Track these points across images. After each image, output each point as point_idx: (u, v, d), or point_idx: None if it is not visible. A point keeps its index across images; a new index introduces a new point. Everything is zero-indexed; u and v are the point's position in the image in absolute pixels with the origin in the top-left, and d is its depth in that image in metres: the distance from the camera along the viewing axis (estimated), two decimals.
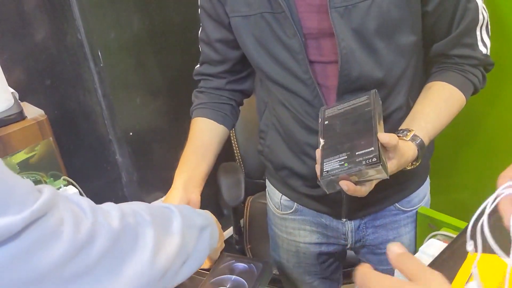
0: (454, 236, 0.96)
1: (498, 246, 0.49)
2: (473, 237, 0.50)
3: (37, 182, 1.34)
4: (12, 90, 1.34)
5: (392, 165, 0.80)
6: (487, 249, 0.49)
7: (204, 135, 1.07)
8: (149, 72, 1.79)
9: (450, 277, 0.71)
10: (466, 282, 0.69)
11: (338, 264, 1.29)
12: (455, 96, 0.94)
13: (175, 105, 1.90)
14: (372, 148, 0.76)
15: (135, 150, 1.81)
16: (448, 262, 0.77)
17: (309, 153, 1.00)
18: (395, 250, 0.51)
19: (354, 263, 1.44)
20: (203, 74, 1.11)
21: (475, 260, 0.54)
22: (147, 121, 1.85)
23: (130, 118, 1.77)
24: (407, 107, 0.96)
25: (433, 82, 0.96)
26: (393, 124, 0.94)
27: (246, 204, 1.86)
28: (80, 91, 1.64)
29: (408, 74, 0.94)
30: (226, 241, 2.44)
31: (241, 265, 0.94)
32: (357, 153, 0.77)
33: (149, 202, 0.77)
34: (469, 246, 0.50)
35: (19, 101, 1.34)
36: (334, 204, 1.06)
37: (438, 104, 0.92)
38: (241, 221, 1.83)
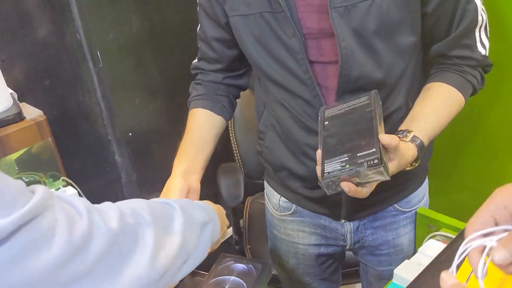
0: (453, 236, 0.96)
1: None
2: None
3: (36, 182, 1.34)
4: (11, 91, 1.34)
5: (393, 166, 0.80)
6: None
7: (202, 126, 1.07)
8: (149, 73, 1.79)
9: None
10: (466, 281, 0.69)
11: (337, 265, 1.29)
12: (454, 97, 0.94)
13: (174, 106, 1.90)
14: (374, 150, 0.75)
15: (134, 151, 1.81)
16: (447, 263, 0.77)
17: (308, 154, 1.00)
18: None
19: (354, 264, 1.46)
20: (200, 69, 1.12)
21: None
22: (147, 122, 1.84)
23: (130, 119, 1.77)
24: (407, 108, 0.96)
25: (432, 83, 0.96)
26: (393, 124, 0.94)
27: (245, 205, 1.86)
28: (79, 92, 1.64)
29: (408, 74, 0.94)
30: (225, 242, 2.44)
31: (240, 266, 0.94)
32: (358, 155, 0.77)
33: None
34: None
35: (18, 101, 1.34)
36: (333, 205, 1.06)
37: (437, 105, 0.92)
38: (241, 221, 1.83)
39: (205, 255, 0.77)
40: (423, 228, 1.09)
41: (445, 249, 0.83)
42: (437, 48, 0.95)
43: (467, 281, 0.55)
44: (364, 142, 0.78)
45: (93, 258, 0.53)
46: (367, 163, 0.74)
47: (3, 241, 0.46)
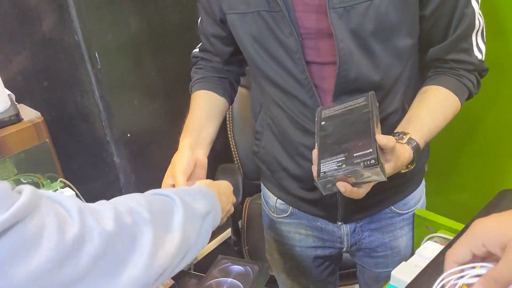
0: (451, 238, 0.96)
1: None
2: None
3: (34, 184, 1.34)
4: (9, 92, 1.33)
5: (389, 168, 0.80)
6: None
7: (206, 105, 1.07)
8: (147, 73, 1.79)
9: None
10: None
11: (334, 267, 1.29)
12: (451, 100, 0.94)
13: (173, 106, 1.89)
14: (371, 150, 0.75)
15: (133, 152, 1.81)
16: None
17: (304, 154, 1.00)
18: None
19: (351, 266, 1.45)
20: (201, 57, 1.14)
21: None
22: (145, 123, 1.84)
23: (128, 120, 1.77)
24: (403, 110, 0.96)
25: (429, 86, 0.96)
26: (389, 127, 0.94)
27: (244, 205, 1.86)
28: (78, 93, 1.63)
29: (404, 77, 0.94)
30: (224, 243, 2.45)
31: (237, 268, 0.94)
32: (355, 155, 0.76)
33: None
34: None
35: (16, 103, 1.33)
36: (329, 207, 1.06)
37: (433, 108, 0.92)
38: (239, 222, 1.83)
39: (205, 245, 0.76)
40: (421, 230, 1.08)
41: (442, 251, 0.83)
42: (434, 51, 0.95)
43: None
44: (361, 143, 0.78)
45: (87, 262, 0.51)
46: (363, 163, 0.74)
47: None
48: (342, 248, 1.16)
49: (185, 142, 0.97)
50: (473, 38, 0.93)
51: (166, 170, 0.96)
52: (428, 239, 1.00)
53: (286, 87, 0.94)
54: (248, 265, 0.93)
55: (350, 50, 0.86)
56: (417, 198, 1.12)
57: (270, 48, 0.91)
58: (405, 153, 0.84)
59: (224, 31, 1.02)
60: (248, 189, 1.76)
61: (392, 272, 0.87)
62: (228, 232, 2.27)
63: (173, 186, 0.89)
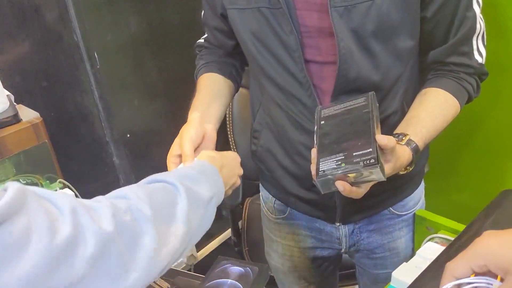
0: (452, 238, 0.95)
1: None
2: None
3: (33, 184, 1.34)
4: (8, 93, 1.33)
5: (388, 168, 0.80)
6: None
7: (213, 85, 1.06)
8: (147, 74, 1.79)
9: None
10: None
11: (334, 267, 1.29)
12: (450, 102, 0.94)
13: (173, 107, 1.89)
14: (371, 149, 0.75)
15: (132, 152, 1.80)
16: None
17: (303, 153, 0.99)
18: None
19: (351, 266, 1.45)
20: (206, 47, 1.14)
21: None
22: (145, 123, 1.84)
23: (128, 120, 1.77)
24: (402, 112, 0.96)
25: (429, 88, 0.96)
26: (388, 128, 0.93)
27: (244, 206, 1.85)
28: (77, 93, 1.63)
29: (404, 78, 0.94)
30: (224, 243, 2.45)
31: (237, 269, 0.94)
32: (354, 154, 0.76)
33: None
34: None
35: (15, 103, 1.33)
36: (327, 208, 1.06)
37: (433, 110, 0.92)
38: (239, 222, 1.83)
39: (207, 229, 0.73)
40: (421, 230, 1.08)
41: (443, 252, 0.83)
42: (434, 54, 0.95)
43: None
44: (361, 142, 0.77)
45: (83, 265, 0.48)
46: (363, 162, 0.74)
47: None
48: (341, 249, 1.15)
49: (193, 115, 0.94)
50: (474, 42, 0.93)
51: (166, 170, 0.95)
52: (429, 239, 1.00)
53: (285, 85, 0.94)
54: (248, 266, 0.93)
55: (351, 50, 0.86)
56: (416, 200, 1.12)
57: (270, 45, 0.91)
58: (404, 154, 0.84)
59: (225, 25, 1.02)
60: (248, 189, 1.75)
61: (393, 273, 0.87)
62: (228, 233, 2.27)
63: (180, 156, 0.86)
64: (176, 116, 1.88)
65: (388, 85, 0.92)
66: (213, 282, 0.91)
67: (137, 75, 1.76)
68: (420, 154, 0.88)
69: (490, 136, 1.53)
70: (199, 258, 2.16)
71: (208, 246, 2.23)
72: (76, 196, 1.27)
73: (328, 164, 0.77)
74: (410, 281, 0.79)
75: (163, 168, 0.95)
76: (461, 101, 0.95)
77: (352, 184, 0.78)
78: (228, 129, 1.78)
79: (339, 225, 1.09)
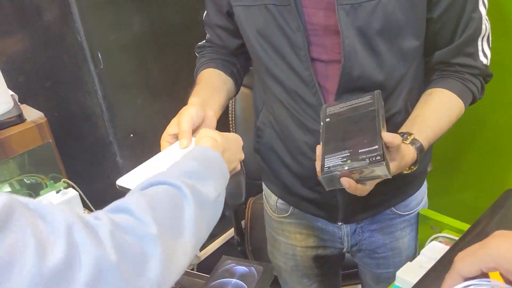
0: (456, 238, 0.95)
1: None
2: None
3: (37, 184, 1.34)
4: (12, 93, 1.33)
5: (393, 167, 0.80)
6: None
7: (215, 79, 1.03)
8: (150, 73, 1.79)
9: None
10: None
11: (336, 267, 1.29)
12: (455, 103, 0.94)
13: (176, 106, 1.87)
14: (376, 147, 0.75)
15: (136, 152, 1.80)
16: (450, 266, 0.77)
17: (306, 153, 0.99)
18: None
19: (353, 266, 1.45)
20: (208, 47, 1.12)
21: None
22: (148, 123, 1.84)
23: (131, 120, 1.77)
24: (406, 112, 0.96)
25: (433, 88, 0.96)
26: (391, 128, 0.93)
27: (247, 205, 1.85)
28: (80, 93, 1.63)
29: (408, 78, 0.94)
30: (227, 243, 2.45)
31: (241, 268, 0.93)
32: (360, 151, 0.76)
33: None
34: None
35: (19, 103, 1.33)
36: (329, 207, 1.06)
37: (438, 110, 0.92)
38: (243, 222, 1.83)
39: (213, 226, 0.69)
40: (425, 230, 1.08)
41: (448, 251, 0.83)
42: (439, 54, 0.95)
43: None
44: (367, 140, 0.77)
45: None
46: (369, 159, 0.74)
47: None
48: (343, 249, 1.15)
49: (194, 99, 0.91)
50: (479, 43, 0.93)
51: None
52: (433, 239, 1.00)
53: (289, 84, 0.94)
54: (252, 265, 0.93)
55: (355, 48, 0.86)
56: (419, 200, 1.12)
57: (275, 42, 0.91)
58: (409, 153, 0.84)
59: (231, 23, 1.01)
60: (251, 189, 1.75)
61: (397, 273, 0.87)
62: (231, 232, 2.27)
63: (175, 136, 0.83)
64: None
65: (392, 84, 0.92)
66: (218, 281, 0.91)
67: (140, 75, 1.76)
68: (424, 154, 0.88)
69: (493, 135, 1.52)
70: (202, 258, 2.16)
71: (211, 245, 2.23)
72: (80, 195, 1.27)
73: (334, 161, 0.77)
74: (414, 280, 0.79)
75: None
76: (465, 101, 0.95)
77: (357, 181, 0.78)
78: (231, 129, 1.78)
79: (341, 224, 1.09)
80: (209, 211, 0.65)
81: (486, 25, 0.92)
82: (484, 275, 0.55)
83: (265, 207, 1.25)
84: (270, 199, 1.19)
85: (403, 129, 0.89)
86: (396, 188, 1.05)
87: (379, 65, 0.88)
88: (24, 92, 1.46)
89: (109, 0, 1.59)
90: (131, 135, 1.77)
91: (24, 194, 1.32)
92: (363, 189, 0.79)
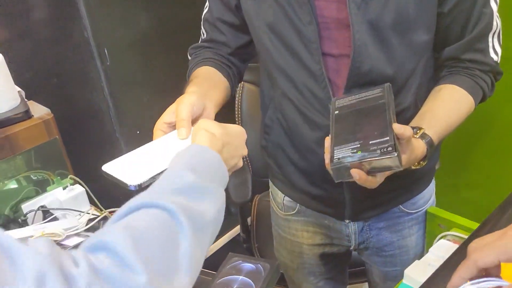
0: (464, 236, 0.95)
1: None
2: None
3: (44, 180, 1.34)
4: (19, 89, 1.34)
5: (403, 160, 0.78)
6: None
7: (214, 75, 0.97)
8: (157, 70, 1.79)
9: None
10: None
11: (343, 264, 1.28)
12: (465, 99, 0.93)
13: None
14: (388, 138, 0.74)
15: None
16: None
17: (314, 149, 0.98)
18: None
19: (360, 263, 1.44)
20: (204, 47, 1.05)
21: None
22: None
23: (137, 116, 1.77)
24: (415, 108, 0.95)
25: (443, 84, 0.95)
26: (400, 123, 0.92)
27: (253, 203, 1.85)
28: (87, 90, 1.64)
29: (418, 73, 0.93)
30: (233, 240, 2.44)
31: (248, 266, 0.93)
32: (370, 142, 0.75)
33: None
34: None
35: (26, 100, 1.34)
36: (336, 205, 1.05)
37: (448, 105, 0.91)
38: (248, 219, 1.83)
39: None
40: (433, 228, 1.07)
41: (457, 250, 0.82)
42: (450, 50, 0.94)
43: None
44: (377, 131, 0.76)
45: None
46: (380, 150, 0.72)
47: None
48: (350, 247, 1.15)
49: (193, 88, 0.84)
50: (490, 39, 0.93)
51: None
52: (441, 237, 0.99)
53: (298, 78, 0.93)
54: (259, 262, 0.93)
55: (365, 42, 0.85)
56: (427, 198, 1.11)
57: (285, 36, 0.90)
58: (419, 147, 0.83)
59: (238, 18, 0.99)
60: (257, 186, 1.75)
61: (405, 271, 0.87)
62: (237, 230, 2.27)
63: (170, 125, 0.76)
64: None
65: (401, 79, 0.91)
66: (225, 278, 0.91)
67: (147, 72, 1.76)
68: (433, 149, 0.87)
69: (501, 133, 1.51)
70: (208, 255, 2.16)
71: (216, 242, 2.23)
72: (87, 192, 1.27)
73: (343, 152, 0.76)
74: (422, 278, 0.79)
75: None
76: (475, 98, 0.94)
77: (367, 172, 0.76)
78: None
79: (349, 222, 1.09)
80: (208, 232, 0.56)
81: (497, 21, 0.91)
82: (494, 269, 0.54)
83: (271, 205, 1.24)
84: (277, 196, 1.18)
85: (413, 123, 0.89)
86: (404, 186, 1.04)
87: (389, 59, 0.88)
88: (31, 89, 1.46)
89: None
90: (138, 132, 1.77)
91: (31, 190, 1.32)
92: (373, 181, 0.78)
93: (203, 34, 1.07)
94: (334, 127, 0.83)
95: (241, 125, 1.75)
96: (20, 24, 1.44)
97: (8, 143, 1.22)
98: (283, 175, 1.11)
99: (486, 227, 0.84)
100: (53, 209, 1.23)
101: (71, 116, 1.61)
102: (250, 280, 0.89)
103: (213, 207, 0.57)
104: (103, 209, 1.25)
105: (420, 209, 1.10)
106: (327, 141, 0.81)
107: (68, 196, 1.25)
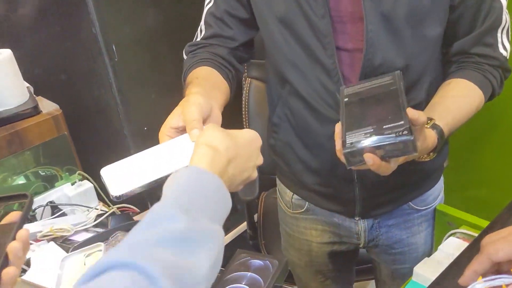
0: (473, 234, 0.94)
1: None
2: None
3: (52, 176, 1.35)
4: (27, 85, 1.34)
5: None
6: None
7: (215, 76, 0.92)
8: (165, 67, 1.79)
9: None
10: None
11: (351, 262, 1.28)
12: (475, 92, 0.92)
13: None
14: (402, 122, 0.71)
15: (150, 145, 1.80)
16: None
17: (324, 145, 0.97)
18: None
19: (367, 261, 1.44)
20: (202, 46, 1.00)
21: None
22: (162, 116, 1.83)
23: (145, 113, 1.77)
24: (427, 104, 0.94)
25: (453, 79, 0.94)
26: None
27: (260, 200, 1.85)
28: (95, 86, 1.64)
29: (430, 68, 0.93)
30: (240, 236, 2.44)
31: (256, 262, 0.93)
32: (384, 127, 0.72)
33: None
34: None
35: (34, 95, 1.34)
36: (347, 202, 1.05)
37: (458, 98, 0.91)
38: (255, 216, 1.83)
39: None
40: (442, 225, 1.07)
41: (468, 247, 0.82)
42: (459, 44, 0.94)
43: None
44: (391, 116, 0.73)
45: None
46: (395, 134, 0.70)
47: None
48: (359, 244, 1.15)
49: (196, 89, 0.78)
50: (499, 35, 0.92)
51: None
52: (450, 235, 0.99)
53: (310, 73, 0.92)
54: (267, 259, 0.93)
55: (378, 34, 0.85)
56: (436, 194, 1.11)
57: (298, 30, 0.89)
58: (430, 136, 0.81)
59: (247, 12, 0.97)
60: (264, 183, 1.75)
61: (415, 268, 0.86)
62: (244, 226, 2.27)
63: (178, 129, 0.71)
64: None
65: (414, 74, 0.91)
66: (233, 274, 0.91)
67: (154, 68, 1.76)
68: (444, 141, 0.86)
69: (509, 132, 1.51)
70: None
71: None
72: (95, 187, 1.28)
73: (356, 137, 0.72)
74: (432, 276, 0.79)
75: None
76: (485, 92, 0.93)
77: (380, 158, 0.73)
78: (244, 122, 1.77)
79: (359, 219, 1.08)
80: None
81: (506, 16, 0.91)
82: (506, 264, 0.54)
83: (278, 203, 1.24)
84: (285, 195, 1.18)
85: None
86: (413, 183, 1.04)
87: (402, 53, 0.87)
88: (40, 85, 1.47)
89: None
90: (145, 128, 1.77)
91: (40, 186, 1.33)
92: (387, 167, 0.75)
93: (202, 31, 1.03)
94: (344, 113, 0.80)
95: (248, 122, 1.75)
96: (29, 21, 1.44)
97: (17, 138, 1.22)
98: (292, 173, 1.10)
99: (497, 225, 0.83)
100: (61, 204, 1.24)
101: (79, 112, 1.62)
102: (258, 277, 0.89)
103: (207, 260, 0.48)
104: (111, 205, 1.26)
105: (430, 205, 1.10)
106: (338, 127, 0.78)
107: (76, 191, 1.26)
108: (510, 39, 0.94)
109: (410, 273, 0.90)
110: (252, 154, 0.64)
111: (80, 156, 1.36)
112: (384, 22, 0.84)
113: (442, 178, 1.13)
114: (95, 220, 1.18)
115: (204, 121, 0.71)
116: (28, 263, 1.03)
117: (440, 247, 0.92)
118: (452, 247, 0.91)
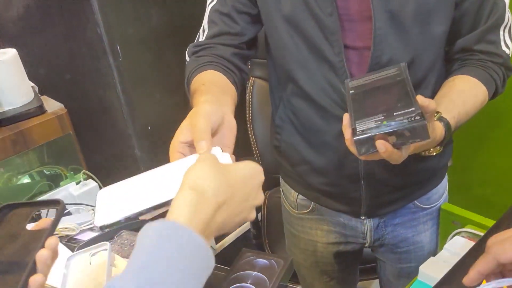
0: (479, 233, 0.94)
1: None
2: None
3: (57, 175, 1.35)
4: (32, 84, 1.35)
5: None
6: None
7: (222, 80, 0.89)
8: (168, 66, 1.79)
9: None
10: None
11: (355, 262, 1.28)
12: (479, 88, 0.92)
13: None
14: (413, 108, 0.70)
15: (154, 145, 1.81)
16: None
17: (331, 144, 0.97)
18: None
19: (370, 260, 1.44)
20: (207, 47, 0.97)
21: None
22: (166, 116, 1.84)
23: (149, 113, 1.77)
24: None
25: (457, 75, 0.94)
26: None
27: (264, 199, 1.85)
28: (100, 86, 1.64)
29: (436, 68, 0.93)
30: (243, 235, 2.44)
31: (262, 261, 0.93)
32: (395, 114, 0.71)
33: None
34: None
35: (39, 95, 1.35)
36: (352, 201, 1.04)
37: (463, 93, 0.91)
38: (259, 215, 1.83)
39: None
40: (447, 225, 1.07)
41: (474, 247, 0.81)
42: (462, 42, 0.94)
43: None
44: (401, 104, 0.72)
45: None
46: (407, 120, 0.69)
47: None
48: (365, 244, 1.15)
49: (204, 97, 0.74)
50: (501, 33, 0.92)
51: None
52: (455, 234, 0.99)
53: (317, 71, 0.92)
54: (273, 258, 0.92)
55: (386, 32, 0.85)
56: (441, 193, 1.11)
57: (305, 28, 0.89)
58: (438, 128, 0.81)
59: (255, 6, 0.95)
60: (267, 182, 1.74)
61: (420, 267, 0.86)
62: (247, 225, 2.27)
63: (189, 144, 0.67)
64: None
65: (420, 72, 0.91)
66: (238, 273, 0.91)
67: (159, 68, 1.77)
68: (450, 135, 0.85)
69: None
70: (218, 250, 2.17)
71: (227, 238, 2.24)
72: (99, 187, 1.28)
73: (367, 124, 0.71)
74: (437, 275, 0.79)
75: None
76: (489, 89, 0.93)
77: (393, 145, 0.72)
78: (248, 122, 1.77)
79: (364, 218, 1.08)
80: None
81: (508, 15, 0.92)
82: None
83: (282, 204, 1.23)
84: (290, 195, 1.17)
85: None
86: (418, 182, 1.04)
87: (409, 50, 0.87)
88: (44, 84, 1.47)
89: None
90: (149, 128, 1.78)
91: (44, 185, 1.33)
92: (399, 155, 0.74)
93: (205, 30, 1.00)
94: (352, 104, 0.79)
95: (252, 122, 1.74)
96: (34, 21, 1.45)
97: (22, 137, 1.23)
98: (297, 174, 1.10)
99: (503, 224, 0.83)
100: (66, 204, 1.24)
101: (84, 112, 1.62)
102: (264, 276, 0.89)
103: None
104: None
105: (435, 204, 1.10)
106: (346, 118, 0.77)
107: (81, 191, 1.26)
108: None
109: (415, 272, 0.90)
110: (250, 194, 0.57)
111: (84, 155, 1.37)
112: (392, 20, 0.84)
113: (446, 177, 1.13)
114: None
115: (216, 129, 0.68)
116: None
117: (445, 246, 0.92)
118: (457, 246, 0.91)
